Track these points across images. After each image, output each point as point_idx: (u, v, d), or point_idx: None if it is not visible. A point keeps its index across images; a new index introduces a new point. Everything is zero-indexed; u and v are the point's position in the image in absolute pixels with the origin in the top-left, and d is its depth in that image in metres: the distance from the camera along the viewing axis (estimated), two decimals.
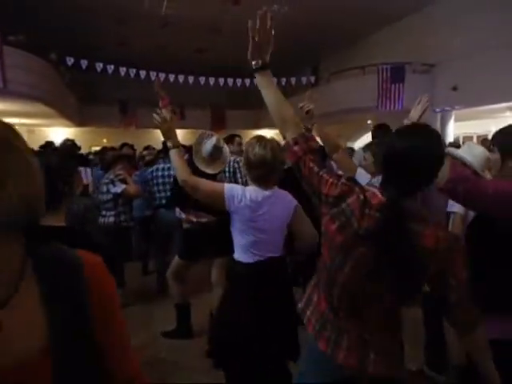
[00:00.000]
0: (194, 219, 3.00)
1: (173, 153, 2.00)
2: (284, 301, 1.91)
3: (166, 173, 3.96)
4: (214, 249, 2.99)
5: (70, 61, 9.65)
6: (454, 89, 8.97)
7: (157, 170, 4.07)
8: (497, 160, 1.70)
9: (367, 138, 10.05)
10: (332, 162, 2.78)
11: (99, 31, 11.76)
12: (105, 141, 13.95)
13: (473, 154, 2.21)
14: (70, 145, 6.28)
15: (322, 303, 1.34)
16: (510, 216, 1.46)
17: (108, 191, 3.81)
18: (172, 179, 3.48)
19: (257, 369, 1.96)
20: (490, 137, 2.97)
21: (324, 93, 11.50)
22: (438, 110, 9.50)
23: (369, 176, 2.56)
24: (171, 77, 10.91)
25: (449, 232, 1.37)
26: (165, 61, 13.24)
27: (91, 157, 7.36)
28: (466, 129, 10.99)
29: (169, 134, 2.03)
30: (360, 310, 1.25)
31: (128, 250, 4.20)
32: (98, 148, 9.86)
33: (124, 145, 6.08)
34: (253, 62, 1.38)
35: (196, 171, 2.43)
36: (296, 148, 1.35)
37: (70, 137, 8.96)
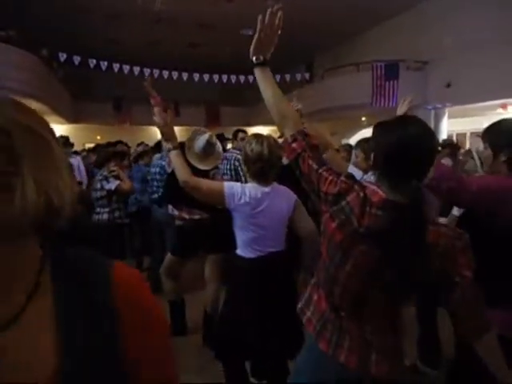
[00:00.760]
0: (187, 216, 3.00)
1: (173, 154, 1.99)
2: (286, 296, 1.92)
3: (163, 171, 3.93)
4: (206, 245, 3.00)
5: (63, 57, 9.55)
6: (448, 85, 9.03)
7: (155, 165, 4.01)
8: (489, 156, 1.72)
9: (361, 134, 10.06)
10: None
11: (92, 27, 11.63)
12: (99, 138, 13.85)
13: None
14: (62, 142, 6.24)
15: (323, 303, 1.33)
16: (494, 211, 1.47)
17: (102, 188, 3.78)
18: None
19: (257, 365, 1.97)
20: None
21: (318, 90, 11.54)
22: (430, 107, 9.55)
23: (360, 173, 2.59)
24: (165, 73, 10.87)
25: (452, 228, 1.33)
26: (158, 57, 13.18)
27: (84, 154, 7.31)
28: (460, 126, 11.05)
29: (169, 136, 2.02)
30: (361, 310, 1.24)
31: (122, 247, 4.17)
32: (91, 145, 9.82)
33: (118, 142, 6.04)
34: (254, 57, 1.37)
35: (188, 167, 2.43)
36: (295, 145, 1.32)
37: (64, 134, 8.90)
